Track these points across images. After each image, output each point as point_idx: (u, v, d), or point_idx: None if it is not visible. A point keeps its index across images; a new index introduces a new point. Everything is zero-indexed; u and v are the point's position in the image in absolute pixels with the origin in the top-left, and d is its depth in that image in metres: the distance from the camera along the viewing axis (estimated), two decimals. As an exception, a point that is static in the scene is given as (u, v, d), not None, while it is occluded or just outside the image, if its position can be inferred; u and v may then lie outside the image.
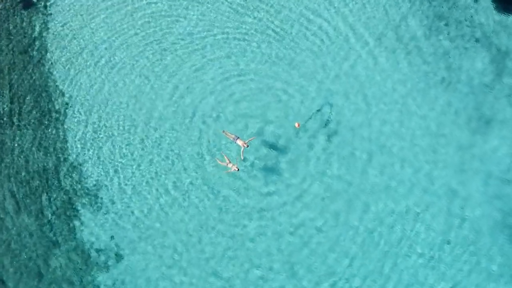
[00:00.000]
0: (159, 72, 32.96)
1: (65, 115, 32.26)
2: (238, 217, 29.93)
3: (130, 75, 33.01)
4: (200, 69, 32.92)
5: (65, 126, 32.03)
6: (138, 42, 33.81)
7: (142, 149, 31.27)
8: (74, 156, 31.41)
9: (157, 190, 30.46)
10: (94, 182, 30.81)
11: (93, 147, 31.56)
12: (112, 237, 29.74)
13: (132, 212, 30.01)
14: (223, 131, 30.56)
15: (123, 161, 31.21)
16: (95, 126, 32.09)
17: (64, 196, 30.52)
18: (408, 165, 30.64)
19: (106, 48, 33.78)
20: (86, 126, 32.03)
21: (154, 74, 32.91)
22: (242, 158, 29.40)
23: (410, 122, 31.34)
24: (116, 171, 30.95)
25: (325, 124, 30.98)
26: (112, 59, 33.51)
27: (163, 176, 30.73)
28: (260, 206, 29.96)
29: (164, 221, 29.96)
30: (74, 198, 30.49)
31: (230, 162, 29.61)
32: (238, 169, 29.26)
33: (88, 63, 33.46)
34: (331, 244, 29.44)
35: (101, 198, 30.43)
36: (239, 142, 29.78)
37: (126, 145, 31.39)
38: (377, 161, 30.66)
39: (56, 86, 32.91)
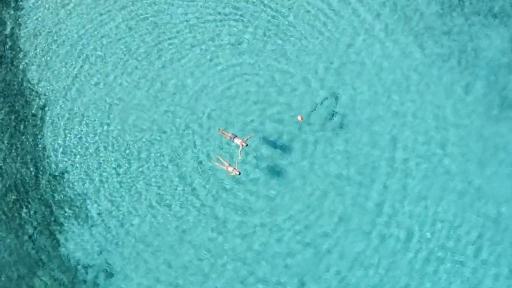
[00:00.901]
0: (145, 68, 31.86)
1: (43, 120, 30.97)
2: (238, 226, 28.56)
3: (112, 73, 31.82)
4: (190, 62, 31.83)
5: (44, 132, 30.72)
6: (119, 37, 32.73)
7: (130, 155, 29.96)
8: (55, 165, 30.08)
9: (148, 200, 29.10)
10: (78, 193, 29.38)
11: (75, 155, 30.23)
12: (100, 252, 28.34)
13: (122, 224, 28.62)
14: (219, 130, 29.27)
15: (109, 169, 29.81)
16: (76, 131, 30.78)
17: (45, 210, 29.19)
18: (424, 160, 29.02)
19: (84, 45, 32.81)
20: (66, 132, 30.77)
21: (139, 71, 31.78)
22: (240, 158, 28.13)
23: (425, 112, 29.77)
24: (101, 180, 29.60)
25: (331, 117, 29.62)
26: (92, 56, 32.42)
27: (153, 184, 29.41)
28: (262, 212, 28.56)
29: (157, 233, 28.54)
30: (57, 211, 29.16)
31: (229, 165, 28.30)
32: (240, 173, 27.92)
33: (65, 62, 32.42)
34: (342, 251, 27.88)
35: (87, 210, 29.01)
36: (237, 141, 28.39)
37: (112, 151, 30.05)
38: (389, 158, 29.11)
39: (32, 88, 31.79)
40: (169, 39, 32.62)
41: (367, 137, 29.51)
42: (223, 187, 29.06)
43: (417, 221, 28.04)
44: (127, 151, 30.06)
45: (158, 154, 29.88)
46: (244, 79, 31.15)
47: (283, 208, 28.53)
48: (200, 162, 29.66)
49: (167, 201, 29.19)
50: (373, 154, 29.28)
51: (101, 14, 33.55)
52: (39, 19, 33.79)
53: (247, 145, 28.17)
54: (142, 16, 33.34)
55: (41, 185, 29.67)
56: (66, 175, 29.86)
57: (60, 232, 28.81)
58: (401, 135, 29.46)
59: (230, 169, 28.15)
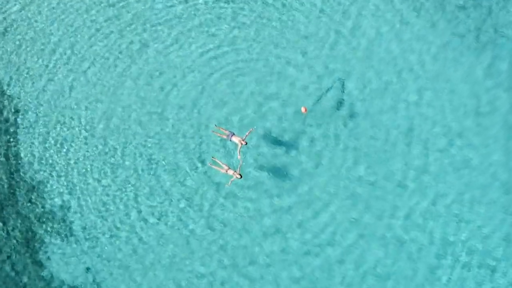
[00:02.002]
0: (126, 64, 30.70)
1: (16, 125, 29.67)
2: (239, 237, 27.22)
3: (90, 72, 30.63)
4: (176, 52, 30.65)
5: (18, 139, 29.45)
6: (95, 29, 31.66)
7: (115, 163, 28.68)
8: (32, 176, 28.69)
9: (137, 212, 27.78)
10: (60, 206, 28.06)
11: (53, 164, 28.83)
12: (87, 269, 26.87)
13: (110, 240, 27.28)
14: (212, 130, 28.24)
15: (92, 179, 28.54)
16: (54, 138, 29.46)
17: (24, 226, 27.81)
18: (443, 155, 27.67)
19: (58, 43, 31.59)
20: (42, 139, 29.40)
21: (119, 68, 30.63)
22: (239, 158, 26.71)
23: (441, 100, 28.52)
24: (85, 191, 28.26)
25: (338, 107, 28.44)
26: (66, 53, 31.28)
27: (142, 195, 28.06)
28: (265, 219, 27.24)
29: (149, 249, 27.21)
30: (37, 227, 27.75)
31: (229, 168, 26.93)
32: (241, 176, 26.41)
33: (39, 59, 31.18)
34: (356, 260, 26.42)
35: (70, 225, 27.69)
36: (235, 139, 26.88)
37: (94, 160, 28.83)
38: (403, 153, 27.80)
39: (2, 91, 30.57)
40: (152, 27, 31.47)
41: (378, 130, 28.25)
42: (221, 194, 27.74)
43: (438, 222, 26.68)
44: (111, 159, 28.73)
45: (146, 161, 28.60)
46: (238, 68, 29.99)
47: (289, 216, 27.31)
48: (195, 167, 28.28)
49: (159, 213, 27.84)
50: (385, 149, 27.97)
51: (76, 8, 32.50)
52: (6, 13, 32.61)
53: (246, 144, 26.74)
54: (120, 5, 32.19)
55: (18, 199, 28.26)
56: (45, 187, 28.42)
57: (42, 250, 27.36)
58: (416, 126, 28.22)
59: (230, 172, 26.68)
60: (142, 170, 28.30)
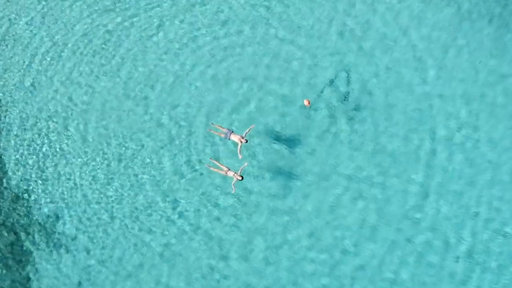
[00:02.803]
0: (109, 58, 30.06)
1: None
2: (241, 248, 26.00)
3: (70, 68, 30.03)
4: (163, 41, 30.05)
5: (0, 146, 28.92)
6: (74, 18, 31.07)
7: (105, 168, 27.88)
8: (16, 184, 28.01)
9: (129, 220, 26.92)
10: (47, 215, 27.22)
11: (38, 170, 28.19)
12: (79, 284, 26.03)
13: (102, 249, 26.47)
14: (209, 129, 27.45)
15: (81, 185, 27.77)
16: (35, 142, 28.85)
17: (10, 238, 27.13)
18: (459, 149, 26.50)
19: (42, 38, 30.89)
20: (26, 142, 28.78)
21: (101, 60, 30.07)
22: (241, 157, 25.83)
23: (454, 90, 27.42)
24: (73, 199, 27.51)
25: (344, 98, 27.57)
26: (48, 49, 30.64)
27: (135, 202, 27.15)
28: (268, 226, 26.17)
29: (144, 260, 26.27)
30: (24, 238, 26.98)
31: (229, 169, 26.03)
32: (242, 178, 25.62)
33: (15, 60, 30.63)
34: (369, 268, 25.13)
35: (59, 235, 26.90)
36: (234, 137, 26.12)
37: (83, 164, 28.11)
38: (417, 148, 26.64)
39: None
40: (134, 16, 30.81)
41: (388, 124, 27.18)
42: (219, 199, 26.77)
43: (455, 225, 25.51)
44: (100, 165, 28.06)
45: (135, 164, 27.82)
46: (233, 55, 29.20)
47: (294, 222, 26.23)
48: (191, 171, 27.37)
49: (152, 221, 26.97)
50: (397, 145, 26.85)
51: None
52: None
53: (247, 141, 25.91)
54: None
55: (2, 209, 27.57)
56: (31, 196, 27.71)
57: (30, 263, 26.54)
58: (429, 119, 27.14)
59: (231, 174, 25.78)
60: (132, 173, 27.56)
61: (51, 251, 26.55)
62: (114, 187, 27.37)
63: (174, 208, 26.66)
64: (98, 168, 27.71)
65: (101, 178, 27.59)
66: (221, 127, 26.80)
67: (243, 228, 25.98)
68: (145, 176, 27.33)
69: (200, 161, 27.35)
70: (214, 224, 26.10)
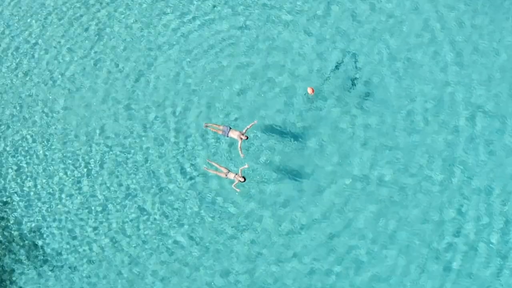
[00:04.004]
0: (87, 52, 29.19)
1: None
2: (245, 260, 25.18)
3: (47, 67, 29.22)
4: (147, 29, 29.10)
5: None
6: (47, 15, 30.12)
7: (86, 176, 27.14)
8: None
9: (127, 234, 26.09)
10: (30, 229, 26.62)
11: (17, 181, 27.43)
12: None
13: (88, 264, 25.80)
14: (205, 125, 26.65)
15: (65, 195, 27.05)
16: (10, 149, 28.07)
17: None
18: (482, 142, 25.45)
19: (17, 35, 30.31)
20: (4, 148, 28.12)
21: (80, 52, 29.23)
22: (242, 155, 25.12)
23: (470, 78, 26.24)
24: (55, 209, 26.83)
25: (351, 86, 26.62)
26: (24, 46, 29.90)
27: (125, 216, 26.39)
28: (272, 237, 25.28)
29: (135, 273, 25.58)
30: (6, 255, 26.44)
31: (229, 171, 25.26)
32: (245, 179, 24.88)
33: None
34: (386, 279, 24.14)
35: (43, 249, 26.21)
36: (233, 134, 25.38)
37: (66, 174, 27.29)
38: (433, 142, 25.58)
39: None
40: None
41: (399, 115, 26.09)
42: (218, 205, 25.99)
43: (480, 228, 24.59)
44: (86, 174, 27.39)
45: (122, 171, 27.11)
46: (228, 43, 28.27)
47: (300, 229, 25.38)
48: (187, 174, 26.49)
49: (144, 234, 26.21)
50: (410, 138, 25.76)
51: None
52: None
53: (247, 138, 25.26)
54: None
55: None
56: (13, 211, 27.20)
57: (13, 282, 26.10)
58: (445, 108, 26.12)
59: (231, 176, 25.00)
60: (118, 182, 26.82)
61: (35, 267, 26.04)
62: (102, 199, 26.75)
63: (166, 220, 26.11)
64: (83, 179, 27.08)
65: (90, 191, 26.97)
66: (217, 125, 26.24)
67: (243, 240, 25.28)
68: (133, 186, 26.79)
69: (196, 164, 26.59)
70: (212, 238, 25.61)
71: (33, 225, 26.97)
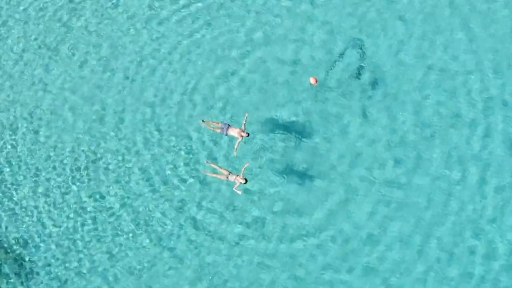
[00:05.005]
0: (55, 45, 27.87)
1: None
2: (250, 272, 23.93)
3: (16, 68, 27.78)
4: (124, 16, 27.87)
5: None
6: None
7: (84, 182, 25.73)
8: None
9: (120, 245, 24.92)
10: (20, 236, 25.59)
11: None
12: None
13: (76, 276, 24.65)
14: (201, 122, 25.73)
15: (46, 205, 25.79)
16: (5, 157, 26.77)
17: None
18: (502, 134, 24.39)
19: None
20: None
21: (51, 43, 27.91)
22: (236, 154, 24.36)
23: (500, 64, 25.20)
24: (43, 220, 25.42)
25: (357, 74, 25.69)
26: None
27: (117, 226, 25.18)
28: (274, 242, 24.14)
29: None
30: None
31: (229, 172, 24.28)
32: (246, 181, 23.79)
33: None
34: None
35: (31, 262, 25.04)
36: (233, 131, 24.36)
37: (56, 179, 25.93)
38: (447, 133, 24.55)
39: None
40: None
41: (411, 105, 25.03)
42: (218, 210, 24.82)
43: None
44: (73, 182, 26.01)
45: (112, 178, 25.79)
46: (222, 29, 27.16)
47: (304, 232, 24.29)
48: (184, 178, 25.24)
49: (138, 245, 25.01)
50: (422, 132, 24.70)
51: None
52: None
53: (248, 135, 24.20)
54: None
55: None
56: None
57: None
58: (461, 95, 25.06)
59: (232, 178, 23.93)
60: (113, 193, 25.52)
61: (21, 283, 25.04)
62: (90, 212, 25.64)
63: (160, 231, 25.00)
64: (70, 188, 25.81)
65: (76, 202, 25.68)
66: (215, 122, 25.26)
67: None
68: (125, 195, 25.67)
69: (195, 168, 25.53)
70: (211, 249, 24.60)
71: (19, 237, 25.90)
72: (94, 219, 25.65)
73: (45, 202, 26.11)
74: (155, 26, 28.14)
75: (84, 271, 24.92)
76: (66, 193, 25.97)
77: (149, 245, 24.85)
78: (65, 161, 26.35)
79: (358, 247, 23.92)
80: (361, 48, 26.25)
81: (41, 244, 25.41)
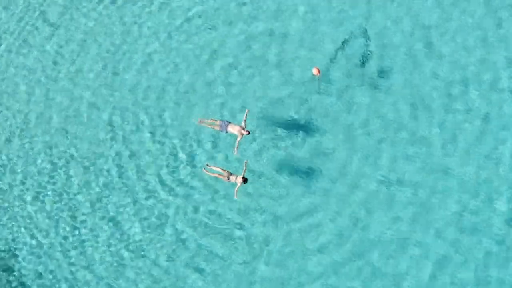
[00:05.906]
0: (42, 42, 27.61)
1: None
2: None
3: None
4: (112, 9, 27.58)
5: None
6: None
7: (78, 189, 25.12)
8: None
9: (111, 253, 24.16)
10: (9, 245, 25.16)
11: None
12: None
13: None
14: (198, 122, 25.11)
15: (43, 214, 25.05)
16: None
17: None
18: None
19: None
20: None
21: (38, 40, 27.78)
22: (236, 153, 23.60)
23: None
24: (31, 231, 24.88)
25: (362, 63, 24.91)
26: None
27: (111, 234, 24.42)
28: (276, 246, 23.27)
29: None
30: None
31: (230, 173, 23.73)
32: (246, 180, 23.19)
33: None
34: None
35: (20, 275, 24.38)
36: (233, 129, 23.45)
37: (46, 185, 25.29)
38: (463, 136, 23.35)
39: None
40: None
41: (424, 105, 23.98)
42: (218, 215, 24.00)
43: None
44: (66, 190, 25.31)
45: (103, 185, 25.02)
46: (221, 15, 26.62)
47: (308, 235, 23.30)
48: (182, 181, 24.52)
49: (144, 251, 24.02)
50: (432, 130, 23.58)
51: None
52: None
53: (249, 133, 23.21)
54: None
55: None
56: None
57: None
58: (474, 87, 23.90)
59: (233, 179, 23.32)
60: (105, 201, 24.77)
61: None
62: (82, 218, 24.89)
63: (153, 243, 24.19)
64: (62, 196, 25.13)
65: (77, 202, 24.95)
66: (212, 119, 24.46)
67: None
68: (117, 203, 24.91)
69: (195, 168, 24.75)
70: (209, 258, 23.85)
71: (13, 240, 25.25)
72: (87, 227, 24.87)
73: (35, 210, 25.44)
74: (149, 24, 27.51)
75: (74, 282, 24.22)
76: (57, 202, 25.27)
77: (147, 253, 23.96)
78: (55, 166, 25.72)
79: (364, 248, 22.84)
80: (365, 34, 25.47)
81: (29, 256, 24.74)
